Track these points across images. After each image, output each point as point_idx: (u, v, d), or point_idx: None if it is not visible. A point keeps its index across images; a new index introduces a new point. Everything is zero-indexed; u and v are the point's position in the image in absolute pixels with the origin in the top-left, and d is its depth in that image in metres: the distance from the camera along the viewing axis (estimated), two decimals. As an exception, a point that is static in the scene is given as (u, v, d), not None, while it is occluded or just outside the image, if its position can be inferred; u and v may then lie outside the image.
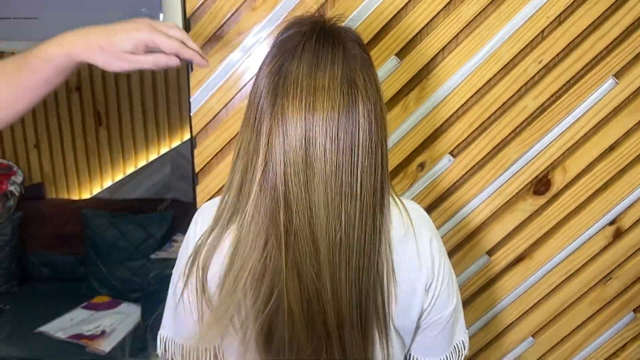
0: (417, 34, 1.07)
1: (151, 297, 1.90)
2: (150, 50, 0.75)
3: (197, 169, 1.13)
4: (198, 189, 1.14)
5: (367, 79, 0.63)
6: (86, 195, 2.77)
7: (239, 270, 0.64)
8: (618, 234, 1.19)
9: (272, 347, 0.66)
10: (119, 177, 2.77)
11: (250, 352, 0.68)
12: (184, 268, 0.69)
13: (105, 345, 2.00)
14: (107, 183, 2.78)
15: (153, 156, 2.75)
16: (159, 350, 0.77)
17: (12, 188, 2.49)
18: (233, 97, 1.09)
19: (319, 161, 0.60)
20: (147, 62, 0.74)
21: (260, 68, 0.66)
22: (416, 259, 0.69)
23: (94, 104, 2.64)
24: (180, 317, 0.72)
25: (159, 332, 0.77)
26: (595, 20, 1.07)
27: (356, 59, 0.63)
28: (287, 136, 0.60)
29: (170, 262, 2.18)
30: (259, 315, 0.64)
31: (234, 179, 0.66)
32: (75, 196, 2.77)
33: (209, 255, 0.67)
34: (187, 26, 1.07)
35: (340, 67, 0.61)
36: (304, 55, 0.61)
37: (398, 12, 1.05)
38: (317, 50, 0.62)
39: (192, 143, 1.13)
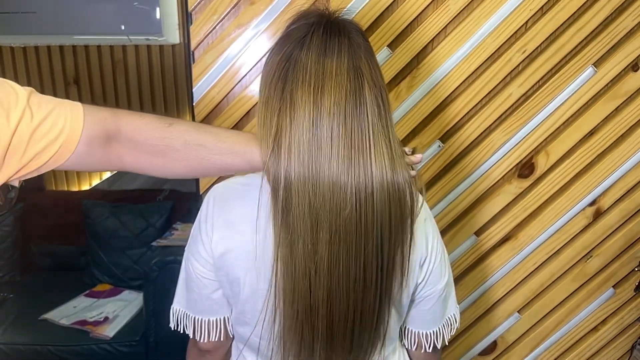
0: (407, 26, 1.13)
1: (153, 283, 1.95)
2: None
3: (199, 157, 1.18)
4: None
5: (372, 66, 0.67)
6: (85, 186, 2.81)
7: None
8: (598, 214, 1.26)
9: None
10: (118, 168, 2.80)
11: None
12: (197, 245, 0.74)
13: (109, 331, 2.06)
14: (106, 174, 2.81)
15: (151, 147, 2.78)
16: (172, 323, 0.81)
17: (12, 180, 2.53)
18: (233, 88, 1.14)
19: (326, 142, 0.64)
20: None
21: (269, 57, 0.69)
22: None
23: (92, 97, 2.67)
24: (192, 291, 0.78)
25: (172, 305, 0.81)
26: (575, 12, 1.13)
27: (361, 48, 0.67)
28: (295, 119, 0.64)
29: (171, 250, 2.18)
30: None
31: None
32: (74, 188, 2.80)
33: (224, 232, 0.72)
34: (188, 20, 1.11)
35: (347, 55, 0.65)
36: (312, 44, 0.65)
37: (389, 5, 1.11)
38: (324, 39, 0.66)
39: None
